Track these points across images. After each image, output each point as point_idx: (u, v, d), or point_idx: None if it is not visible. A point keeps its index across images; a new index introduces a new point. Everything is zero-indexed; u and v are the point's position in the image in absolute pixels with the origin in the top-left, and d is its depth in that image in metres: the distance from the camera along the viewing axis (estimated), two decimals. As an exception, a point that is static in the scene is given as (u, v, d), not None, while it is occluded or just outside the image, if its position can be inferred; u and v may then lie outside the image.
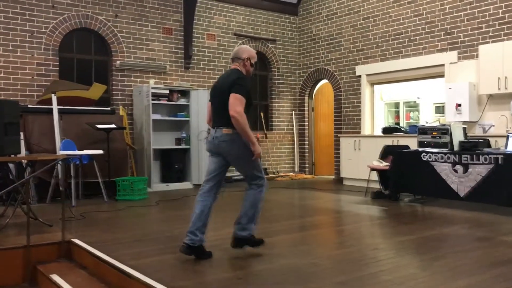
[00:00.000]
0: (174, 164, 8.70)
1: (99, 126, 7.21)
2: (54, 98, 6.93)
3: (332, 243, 4.28)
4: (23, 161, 5.54)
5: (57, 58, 8.00)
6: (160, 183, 8.65)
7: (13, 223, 5.04)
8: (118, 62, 8.55)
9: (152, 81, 8.69)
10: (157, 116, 8.53)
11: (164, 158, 8.81)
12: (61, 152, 6.58)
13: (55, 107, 6.90)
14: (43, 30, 7.84)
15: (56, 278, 3.68)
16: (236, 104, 3.66)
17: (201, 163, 8.85)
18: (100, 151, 6.91)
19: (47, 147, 6.91)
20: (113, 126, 7.38)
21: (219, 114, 3.84)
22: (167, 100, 8.69)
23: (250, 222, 3.89)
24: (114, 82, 8.58)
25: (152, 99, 8.31)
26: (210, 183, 4.00)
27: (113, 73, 8.57)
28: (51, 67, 7.91)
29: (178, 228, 5.04)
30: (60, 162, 5.43)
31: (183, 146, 8.87)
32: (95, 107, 7.87)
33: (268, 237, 4.52)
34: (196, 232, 3.77)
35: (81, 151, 6.83)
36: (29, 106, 7.33)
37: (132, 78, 8.75)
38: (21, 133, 5.51)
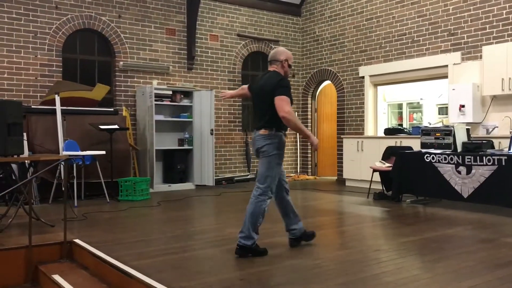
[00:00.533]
0: (177, 164, 8.71)
1: (102, 127, 7.22)
2: (57, 99, 6.94)
3: (334, 244, 4.27)
4: (26, 161, 5.54)
5: (61, 59, 8.01)
6: (162, 184, 8.66)
7: (16, 223, 5.05)
8: (121, 63, 8.56)
9: (155, 82, 8.69)
10: (160, 117, 8.54)
11: (166, 158, 8.82)
12: (64, 153, 6.59)
13: (58, 107, 6.91)
14: (47, 31, 7.86)
15: (57, 278, 3.68)
16: (283, 105, 3.77)
17: (204, 164, 8.85)
18: (103, 152, 6.92)
19: (50, 148, 6.93)
20: (116, 126, 7.39)
21: (258, 117, 4.00)
22: (170, 101, 8.70)
23: (251, 230, 3.89)
24: (117, 83, 8.59)
25: (155, 100, 8.32)
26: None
27: (116, 73, 8.59)
28: (54, 68, 7.93)
29: (180, 229, 5.04)
30: (62, 162, 5.43)
31: (186, 146, 8.87)
32: (98, 107, 7.88)
33: (270, 238, 4.52)
34: (293, 226, 4.16)
35: (83, 152, 6.84)
36: (33, 106, 7.34)
37: (135, 79, 8.77)
38: (24, 134, 5.52)
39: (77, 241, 4.32)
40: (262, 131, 3.91)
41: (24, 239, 4.16)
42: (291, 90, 3.96)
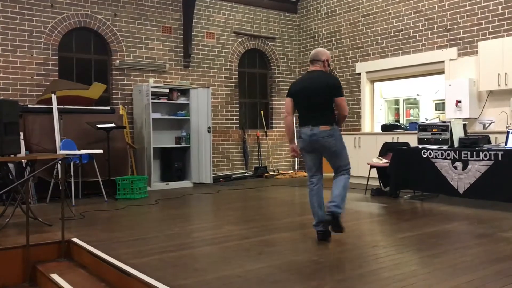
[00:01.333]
0: (174, 163, 8.70)
1: (99, 126, 7.21)
2: (54, 98, 6.92)
3: (332, 241, 4.28)
4: (22, 160, 5.53)
5: (57, 57, 7.99)
6: (160, 182, 8.65)
7: (13, 223, 5.04)
8: (117, 61, 8.55)
9: (151, 80, 8.68)
10: (157, 115, 8.53)
11: (164, 157, 8.82)
12: (61, 152, 6.58)
13: (55, 106, 6.90)
14: (42, 29, 7.83)
15: (55, 277, 3.69)
16: (346, 106, 4.42)
17: (201, 162, 8.85)
18: (100, 151, 6.91)
19: (47, 147, 6.91)
20: (113, 125, 7.38)
21: (316, 114, 4.30)
22: (167, 99, 8.69)
23: (343, 201, 4.30)
24: (113, 81, 8.58)
25: (152, 98, 8.31)
26: (317, 176, 4.44)
27: (113, 72, 8.57)
28: (50, 67, 7.90)
29: (178, 227, 5.05)
30: (60, 161, 5.42)
31: (183, 144, 8.87)
32: (95, 106, 7.87)
33: (268, 235, 4.53)
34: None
35: (81, 151, 6.83)
36: (29, 106, 7.33)
37: (132, 77, 8.75)
38: (21, 133, 5.51)
39: (75, 240, 4.32)
40: (323, 127, 4.27)
41: (22, 238, 4.15)
42: None
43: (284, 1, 10.77)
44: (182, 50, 9.33)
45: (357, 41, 9.60)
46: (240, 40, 10.16)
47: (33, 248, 4.10)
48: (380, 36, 9.17)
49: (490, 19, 7.49)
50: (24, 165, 5.58)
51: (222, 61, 9.91)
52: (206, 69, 9.69)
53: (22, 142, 5.30)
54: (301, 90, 4.40)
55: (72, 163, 6.64)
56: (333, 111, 4.34)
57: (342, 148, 4.41)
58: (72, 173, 6.63)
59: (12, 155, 4.84)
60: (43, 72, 7.83)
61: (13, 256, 4.04)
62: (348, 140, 9.05)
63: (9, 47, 7.56)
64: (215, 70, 9.81)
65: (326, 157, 4.42)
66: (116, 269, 3.50)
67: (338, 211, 4.21)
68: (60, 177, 6.37)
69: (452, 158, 6.05)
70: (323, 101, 4.28)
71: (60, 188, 4.69)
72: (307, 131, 4.32)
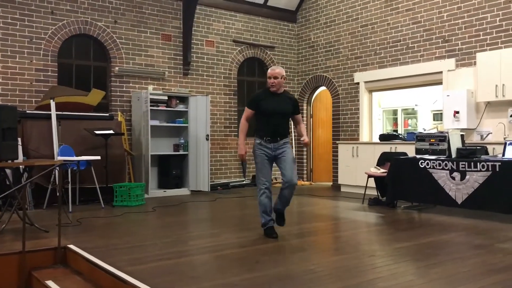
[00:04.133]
0: (172, 170, 8.69)
1: (97, 132, 7.21)
2: (52, 104, 6.93)
3: (329, 250, 4.27)
4: (20, 166, 5.52)
5: (56, 64, 8.01)
6: (157, 189, 8.64)
7: (9, 229, 5.02)
8: (117, 68, 8.56)
9: (150, 87, 8.70)
10: (156, 122, 8.53)
11: (162, 164, 8.81)
12: (59, 158, 6.57)
13: (53, 113, 6.90)
14: (42, 36, 7.86)
15: (51, 284, 3.67)
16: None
17: (199, 170, 8.84)
18: (98, 157, 6.90)
19: (45, 153, 6.90)
20: (111, 132, 7.38)
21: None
22: (166, 106, 8.70)
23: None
24: (112, 88, 8.59)
25: (151, 105, 8.32)
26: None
27: (112, 79, 8.59)
28: (50, 73, 7.92)
29: (175, 234, 5.03)
30: (57, 167, 5.42)
31: (181, 152, 8.86)
32: (93, 113, 7.87)
33: (265, 244, 4.52)
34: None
35: (78, 157, 6.82)
36: (28, 111, 7.33)
37: (131, 84, 8.77)
38: (19, 139, 5.51)
39: (71, 246, 4.30)
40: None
41: (18, 244, 4.14)
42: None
43: (284, 10, 10.83)
44: (182, 57, 9.36)
45: (356, 51, 9.65)
46: (239, 48, 10.20)
47: (29, 254, 4.08)
48: (378, 46, 9.22)
49: (488, 30, 7.54)
50: (21, 170, 5.58)
51: (221, 69, 9.94)
52: (205, 77, 9.72)
53: (20, 148, 5.29)
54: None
55: (69, 169, 6.63)
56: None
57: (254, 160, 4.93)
58: (69, 179, 6.62)
59: (9, 161, 4.83)
60: (42, 78, 7.84)
61: (9, 262, 4.02)
62: (346, 149, 9.11)
63: (9, 53, 7.58)
64: (214, 78, 9.84)
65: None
66: (112, 276, 3.49)
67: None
68: (57, 183, 6.36)
69: (450, 168, 6.06)
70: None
71: (57, 194, 4.68)
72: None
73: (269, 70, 5.04)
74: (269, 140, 4.85)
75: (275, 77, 4.95)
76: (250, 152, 5.03)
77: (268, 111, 4.86)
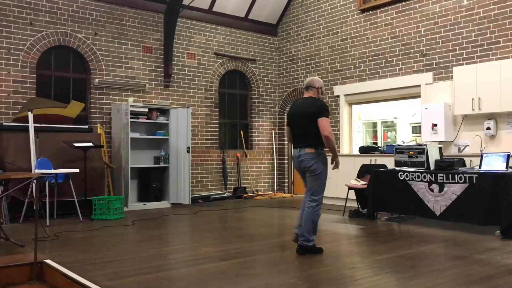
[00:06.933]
0: (152, 183, 8.61)
1: (76, 145, 7.12)
2: (30, 116, 6.82)
3: (310, 262, 4.27)
4: (-4, 179, 5.42)
5: (34, 75, 7.91)
6: (137, 202, 8.54)
7: (-16, 244, 4.90)
8: (96, 80, 8.50)
9: (131, 99, 8.64)
10: (136, 135, 8.47)
11: (142, 177, 8.72)
12: (36, 171, 6.46)
13: (31, 125, 6.79)
14: (20, 47, 7.76)
15: (27, 300, 3.58)
16: (327, 126, 4.54)
17: (180, 182, 8.78)
18: (76, 170, 6.81)
19: (22, 166, 6.79)
20: (90, 144, 7.29)
21: (302, 137, 4.66)
22: (146, 118, 8.65)
23: (310, 233, 4.58)
24: (92, 100, 8.51)
25: (131, 117, 8.26)
26: (307, 193, 4.77)
27: (92, 91, 8.51)
28: (28, 85, 7.81)
29: (154, 248, 4.97)
30: (34, 180, 5.32)
31: (162, 164, 8.80)
32: (72, 125, 7.78)
33: (246, 257, 4.50)
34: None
35: (56, 170, 6.72)
36: (5, 123, 7.20)
37: (111, 96, 8.70)
38: (-5, 151, 5.40)
39: (48, 261, 4.21)
40: (307, 150, 4.58)
41: (-8, 260, 4.04)
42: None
43: (265, 24, 10.93)
44: (163, 70, 9.34)
45: (336, 65, 9.77)
46: (220, 61, 10.23)
47: (4, 270, 3.98)
48: (358, 60, 9.35)
49: (464, 45, 7.71)
50: (-3, 184, 5.46)
51: (203, 82, 9.95)
52: (186, 89, 9.70)
53: (-4, 161, 5.19)
54: (292, 116, 4.86)
55: (47, 182, 6.52)
56: (318, 134, 4.57)
57: (320, 173, 4.63)
58: (47, 193, 6.51)
59: (-15, 174, 4.73)
60: (20, 90, 7.73)
61: (-18, 278, 3.91)
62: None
63: (-14, 64, 7.46)
64: (195, 90, 9.83)
65: (306, 177, 4.72)
66: (90, 292, 3.42)
67: (306, 245, 4.59)
68: (34, 196, 6.25)
69: (429, 180, 6.14)
70: (309, 125, 4.59)
71: (34, 207, 4.59)
72: (296, 153, 4.71)
73: (323, 83, 5.08)
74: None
75: None
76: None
77: None
